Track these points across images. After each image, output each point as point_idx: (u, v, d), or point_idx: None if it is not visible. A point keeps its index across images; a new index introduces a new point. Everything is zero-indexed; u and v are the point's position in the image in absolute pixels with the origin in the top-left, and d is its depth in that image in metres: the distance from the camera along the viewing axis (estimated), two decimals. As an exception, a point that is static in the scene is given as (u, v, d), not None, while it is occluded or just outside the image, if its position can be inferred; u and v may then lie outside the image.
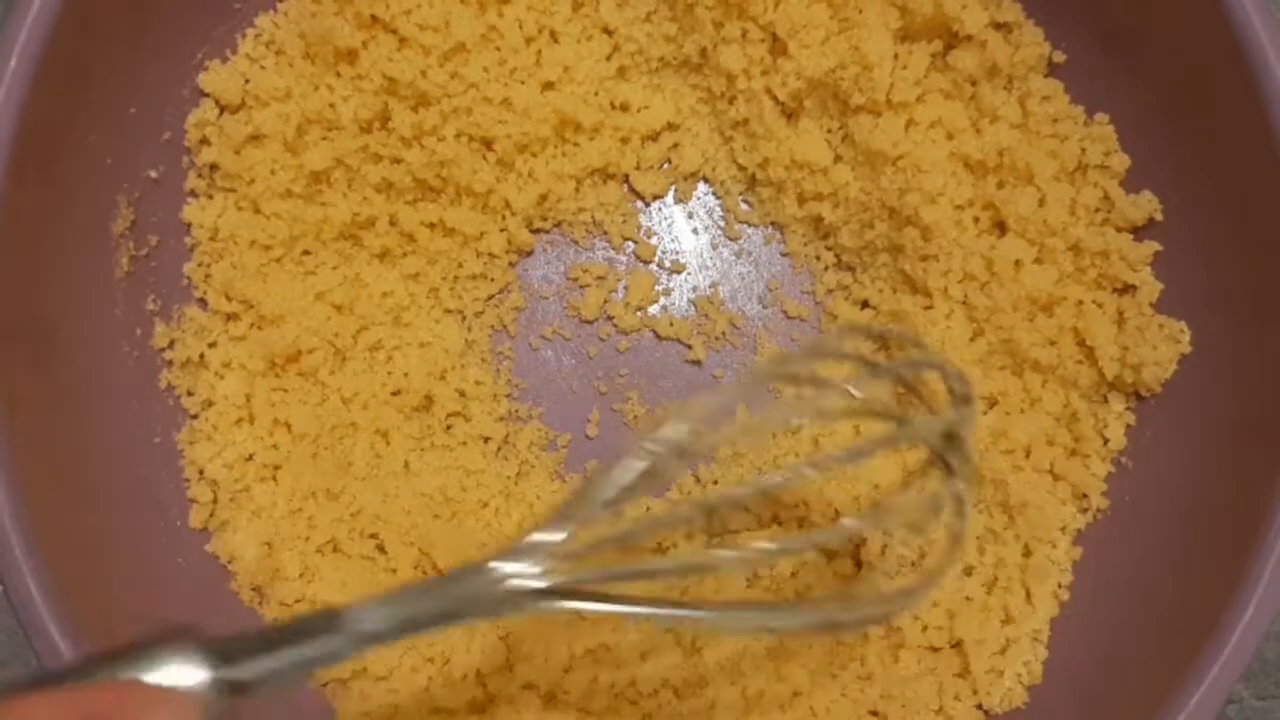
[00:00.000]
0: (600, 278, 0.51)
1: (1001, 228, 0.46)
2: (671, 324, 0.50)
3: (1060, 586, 0.45)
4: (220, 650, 0.28)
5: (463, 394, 0.49)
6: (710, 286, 0.51)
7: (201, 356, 0.46)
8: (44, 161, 0.40)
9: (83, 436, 0.42)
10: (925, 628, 0.45)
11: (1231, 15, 0.39)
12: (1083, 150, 0.45)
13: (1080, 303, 0.45)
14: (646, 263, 0.51)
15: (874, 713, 0.45)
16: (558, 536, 0.31)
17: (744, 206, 0.51)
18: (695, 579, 0.47)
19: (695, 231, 0.51)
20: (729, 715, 0.44)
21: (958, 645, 0.45)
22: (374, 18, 0.45)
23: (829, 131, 0.48)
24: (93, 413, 0.43)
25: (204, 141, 0.46)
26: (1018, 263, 0.45)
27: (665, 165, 0.51)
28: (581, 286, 0.51)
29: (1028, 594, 0.45)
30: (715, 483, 0.49)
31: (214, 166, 0.46)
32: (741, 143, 0.49)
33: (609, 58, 0.48)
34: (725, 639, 0.46)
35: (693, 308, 0.51)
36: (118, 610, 0.41)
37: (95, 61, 0.41)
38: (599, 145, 0.49)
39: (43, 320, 0.41)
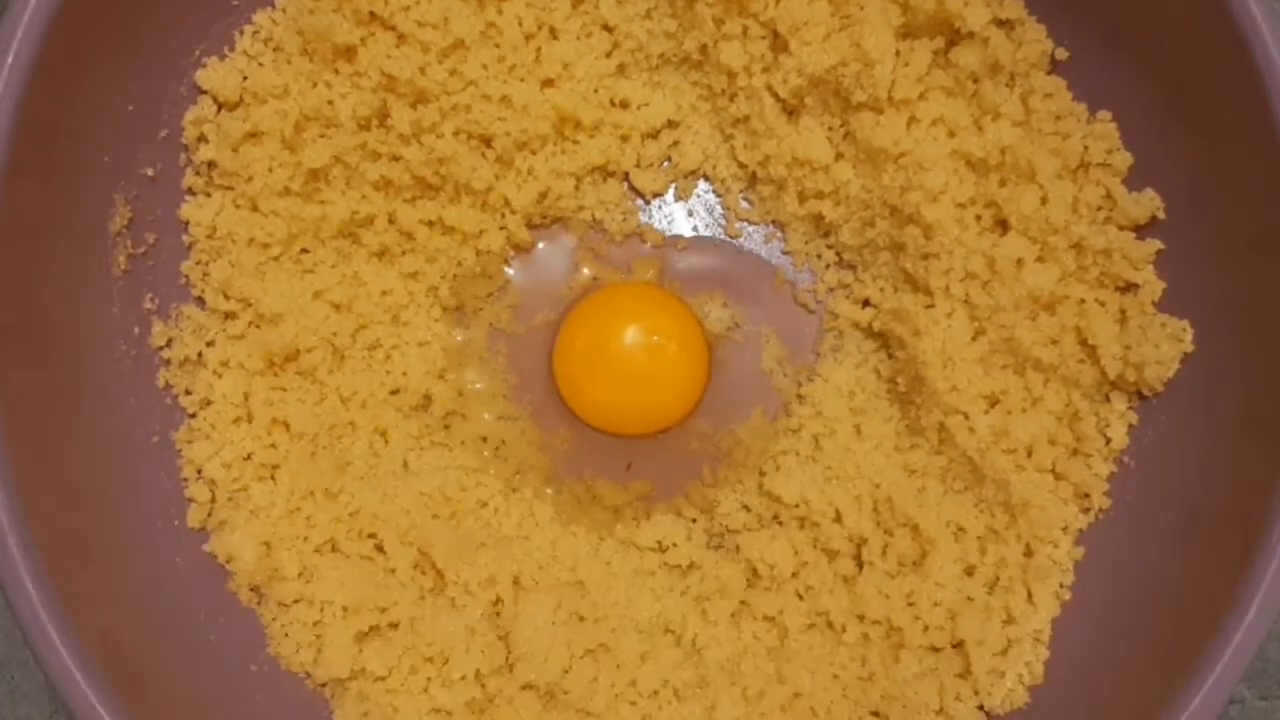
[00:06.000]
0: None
1: (1003, 226, 0.46)
2: (672, 322, 0.50)
3: (1062, 586, 0.45)
4: None
5: (461, 393, 0.49)
6: (710, 285, 0.51)
7: (199, 355, 0.46)
8: (41, 159, 0.40)
9: (80, 435, 0.42)
10: (926, 628, 0.44)
11: (1235, 12, 0.39)
12: (1085, 148, 0.44)
13: (1082, 301, 0.45)
14: (646, 261, 0.51)
15: (875, 713, 0.45)
16: None
17: (744, 204, 0.51)
18: (697, 579, 0.47)
19: (695, 229, 0.51)
20: (729, 715, 0.44)
21: (959, 645, 0.45)
22: (372, 14, 0.45)
23: (830, 129, 0.48)
24: (90, 412, 0.43)
25: (201, 139, 0.46)
26: (1019, 261, 0.44)
27: (665, 163, 0.51)
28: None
29: (1029, 594, 0.45)
30: (717, 486, 0.49)
31: (212, 164, 0.46)
32: (742, 140, 0.49)
33: (609, 55, 0.48)
34: (726, 639, 0.46)
35: (693, 306, 0.51)
36: (115, 610, 0.41)
37: (92, 58, 0.41)
38: (599, 143, 0.49)
39: (39, 319, 0.41)
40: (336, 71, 0.45)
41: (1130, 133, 0.44)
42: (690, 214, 0.51)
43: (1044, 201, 0.44)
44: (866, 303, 0.49)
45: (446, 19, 0.44)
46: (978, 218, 0.46)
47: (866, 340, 0.49)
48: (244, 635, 0.45)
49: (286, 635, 0.45)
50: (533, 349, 0.50)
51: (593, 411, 0.49)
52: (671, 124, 0.50)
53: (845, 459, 0.47)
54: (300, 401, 0.47)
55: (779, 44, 0.46)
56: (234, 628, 0.45)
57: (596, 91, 0.48)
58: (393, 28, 0.45)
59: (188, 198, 0.46)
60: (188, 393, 0.46)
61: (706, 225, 0.51)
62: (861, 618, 0.45)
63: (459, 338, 0.50)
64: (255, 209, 0.46)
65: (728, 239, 0.51)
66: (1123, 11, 0.43)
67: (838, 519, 0.46)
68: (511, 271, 0.50)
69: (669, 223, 0.51)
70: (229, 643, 0.44)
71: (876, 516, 0.46)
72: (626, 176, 0.51)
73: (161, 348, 0.46)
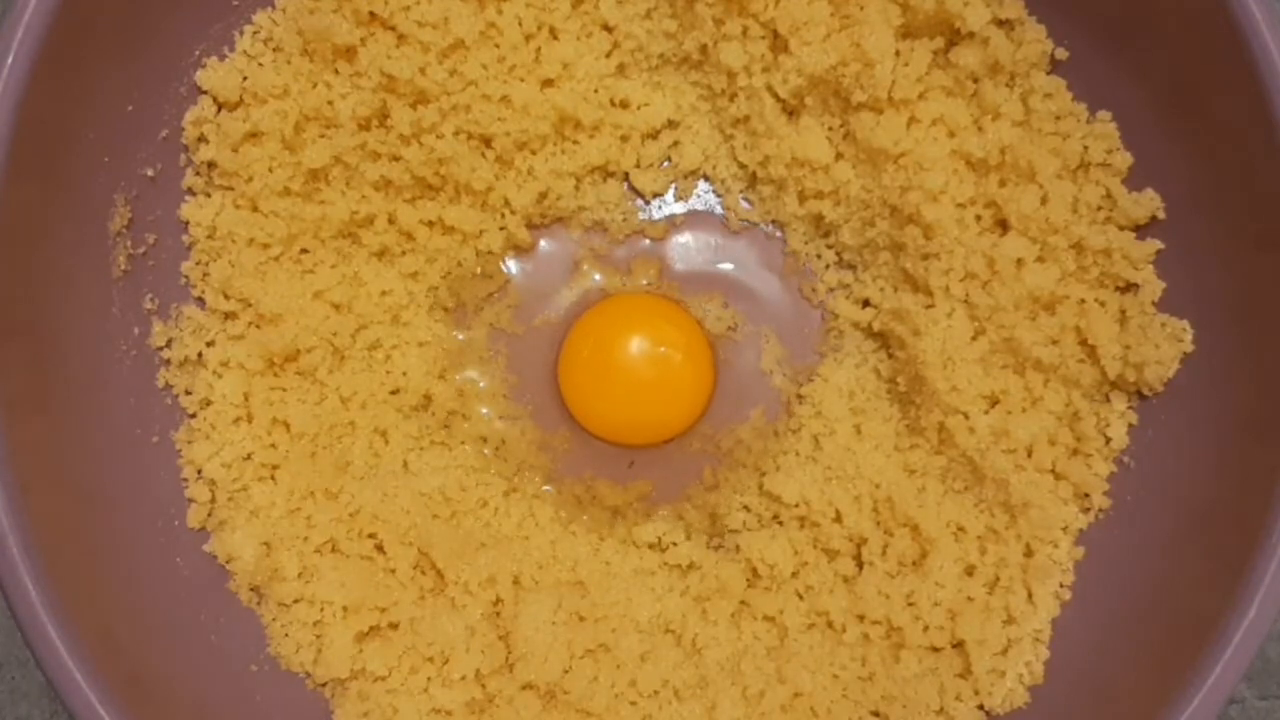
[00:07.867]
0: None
1: (1003, 226, 0.46)
2: (672, 322, 0.50)
3: (1062, 586, 0.45)
4: None
5: (461, 393, 0.49)
6: (710, 285, 0.51)
7: (199, 355, 0.46)
8: (41, 159, 0.40)
9: (80, 436, 0.42)
10: (926, 628, 0.44)
11: (1234, 12, 0.39)
12: (1085, 148, 0.44)
13: (1082, 301, 0.45)
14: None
15: (875, 713, 0.45)
16: None
17: (744, 204, 0.51)
18: (697, 579, 0.47)
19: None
20: (729, 715, 0.44)
21: (959, 645, 0.45)
22: (372, 15, 0.45)
23: (830, 129, 0.48)
24: (90, 412, 0.43)
25: (202, 139, 0.46)
26: (1019, 261, 0.44)
27: (665, 163, 0.51)
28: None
29: (1029, 594, 0.45)
30: (717, 486, 0.49)
31: (212, 164, 0.46)
32: (742, 140, 0.49)
33: (609, 55, 0.48)
34: (726, 639, 0.46)
35: (693, 306, 0.51)
36: (115, 610, 0.41)
37: (92, 59, 0.41)
38: (599, 143, 0.49)
39: (40, 319, 0.41)
40: (336, 71, 0.45)
41: (1130, 133, 0.44)
42: (690, 214, 0.51)
43: (1044, 201, 0.44)
44: (866, 303, 0.49)
45: (446, 19, 0.44)
46: (978, 218, 0.46)
47: (866, 340, 0.49)
48: (244, 635, 0.45)
49: (286, 635, 0.45)
50: (533, 349, 0.50)
51: (600, 424, 0.49)
52: (671, 124, 0.50)
53: (845, 459, 0.47)
54: (300, 401, 0.47)
55: (779, 44, 0.46)
56: (234, 628, 0.45)
57: (596, 91, 0.48)
58: (393, 28, 0.45)
59: (188, 198, 0.46)
60: (188, 393, 0.46)
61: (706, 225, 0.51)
62: (861, 618, 0.45)
63: (459, 338, 0.50)
64: (255, 209, 0.46)
65: (728, 238, 0.51)
66: (1122, 11, 0.43)
67: (838, 519, 0.46)
68: (511, 271, 0.50)
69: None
70: (229, 643, 0.44)
71: (876, 516, 0.46)
72: (626, 176, 0.51)
73: (161, 348, 0.46)
